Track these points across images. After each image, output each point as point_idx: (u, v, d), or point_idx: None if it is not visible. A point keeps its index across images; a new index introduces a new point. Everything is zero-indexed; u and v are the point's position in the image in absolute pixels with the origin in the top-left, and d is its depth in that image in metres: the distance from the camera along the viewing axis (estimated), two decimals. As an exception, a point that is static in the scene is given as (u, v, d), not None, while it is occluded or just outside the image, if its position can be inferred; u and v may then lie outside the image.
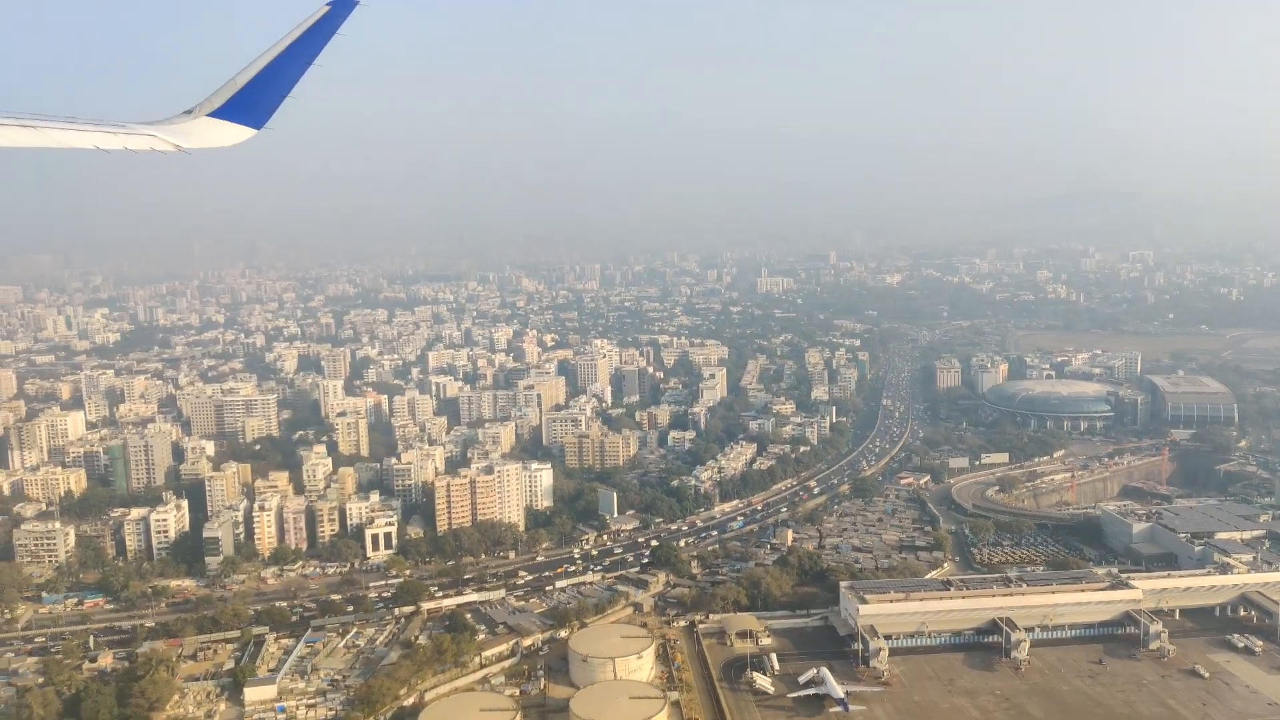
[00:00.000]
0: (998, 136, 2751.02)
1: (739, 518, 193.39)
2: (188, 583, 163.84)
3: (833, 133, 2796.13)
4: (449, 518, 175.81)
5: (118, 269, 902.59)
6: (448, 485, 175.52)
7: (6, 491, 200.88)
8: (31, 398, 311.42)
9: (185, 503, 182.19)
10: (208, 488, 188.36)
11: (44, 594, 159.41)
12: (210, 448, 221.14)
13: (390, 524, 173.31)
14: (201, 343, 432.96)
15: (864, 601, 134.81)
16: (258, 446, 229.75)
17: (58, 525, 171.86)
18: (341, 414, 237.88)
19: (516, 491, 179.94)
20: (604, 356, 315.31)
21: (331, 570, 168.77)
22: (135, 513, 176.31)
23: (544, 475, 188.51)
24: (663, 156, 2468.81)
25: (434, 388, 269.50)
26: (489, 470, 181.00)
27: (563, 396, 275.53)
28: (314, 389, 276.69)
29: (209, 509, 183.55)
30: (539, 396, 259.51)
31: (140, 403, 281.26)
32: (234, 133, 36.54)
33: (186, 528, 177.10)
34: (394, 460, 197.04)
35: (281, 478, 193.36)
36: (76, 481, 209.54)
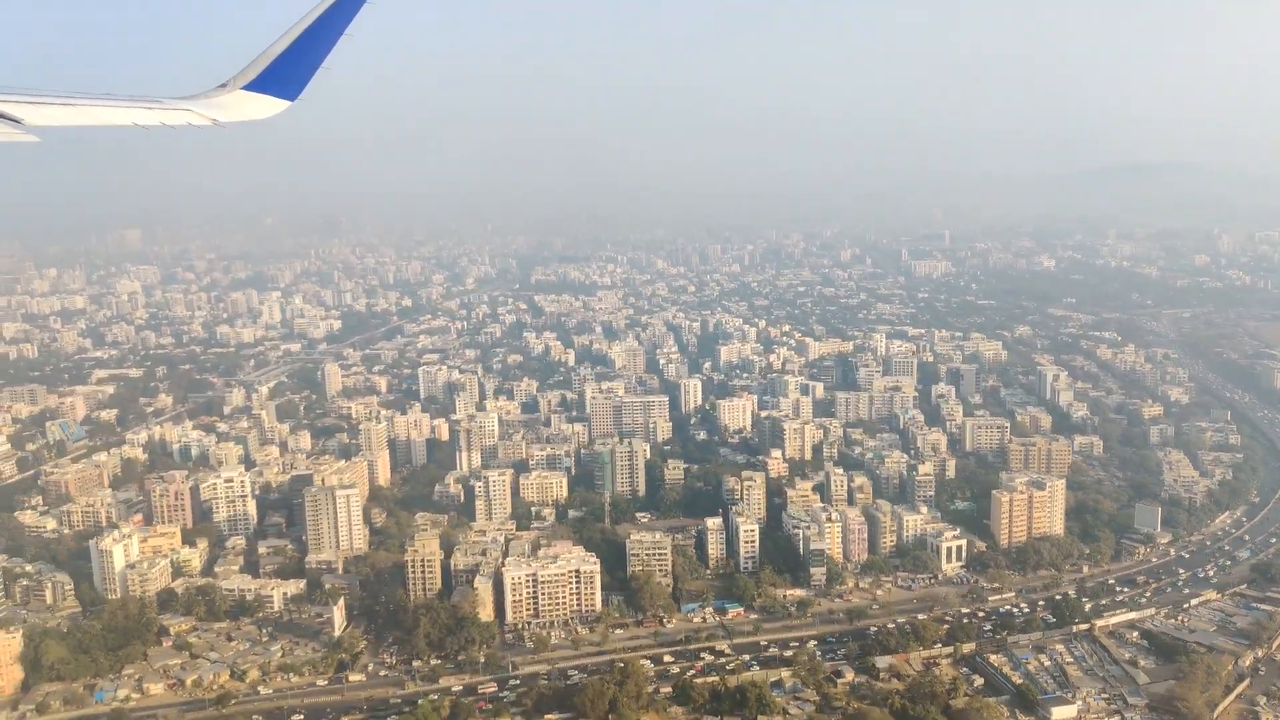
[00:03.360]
0: (1022, 110, 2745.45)
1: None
2: (797, 592, 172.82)
3: (849, 115, 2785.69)
4: (1009, 531, 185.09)
5: (215, 246, 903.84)
6: (1010, 499, 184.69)
7: (524, 496, 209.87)
8: (355, 391, 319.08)
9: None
10: (746, 494, 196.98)
11: (683, 604, 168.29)
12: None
13: (959, 537, 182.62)
14: (433, 330, 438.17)
15: None
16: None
17: (660, 535, 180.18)
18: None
19: (1060, 505, 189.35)
20: (907, 348, 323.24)
21: (915, 582, 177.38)
22: (712, 522, 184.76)
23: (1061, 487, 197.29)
24: (684, 137, 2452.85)
25: (810, 390, 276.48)
26: (1038, 485, 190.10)
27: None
28: (680, 387, 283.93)
29: (730, 514, 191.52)
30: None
31: (505, 400, 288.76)
32: (268, 105, 37.14)
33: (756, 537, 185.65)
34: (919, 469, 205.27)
35: (806, 485, 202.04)
36: (559, 486, 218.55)
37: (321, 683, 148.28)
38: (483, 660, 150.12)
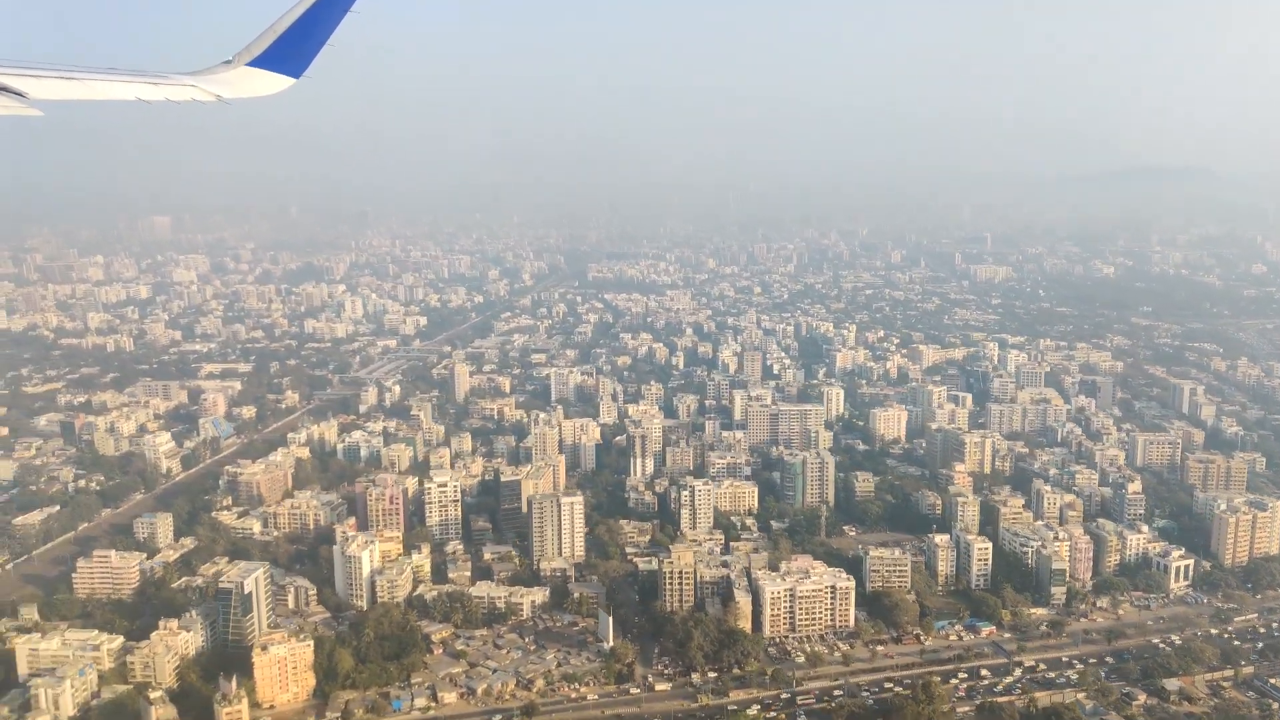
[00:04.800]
0: (1030, 110, 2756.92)
1: None
2: (1039, 610, 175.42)
3: (853, 110, 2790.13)
4: (1233, 551, 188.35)
5: (249, 234, 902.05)
6: (1236, 519, 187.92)
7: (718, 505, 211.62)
8: (482, 391, 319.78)
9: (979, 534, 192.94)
10: (960, 510, 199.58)
11: (934, 620, 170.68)
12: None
13: (1185, 557, 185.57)
14: (522, 329, 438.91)
15: None
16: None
17: (900, 552, 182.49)
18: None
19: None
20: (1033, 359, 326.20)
21: (1149, 602, 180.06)
22: (941, 539, 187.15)
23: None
24: (689, 134, 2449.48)
25: (961, 400, 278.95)
26: (1259, 505, 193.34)
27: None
28: (823, 395, 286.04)
29: (955, 530, 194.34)
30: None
31: (646, 405, 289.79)
32: (273, 81, 37.19)
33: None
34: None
35: (1017, 503, 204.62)
36: (751, 496, 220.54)
37: (596, 695, 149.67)
38: (769, 674, 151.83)
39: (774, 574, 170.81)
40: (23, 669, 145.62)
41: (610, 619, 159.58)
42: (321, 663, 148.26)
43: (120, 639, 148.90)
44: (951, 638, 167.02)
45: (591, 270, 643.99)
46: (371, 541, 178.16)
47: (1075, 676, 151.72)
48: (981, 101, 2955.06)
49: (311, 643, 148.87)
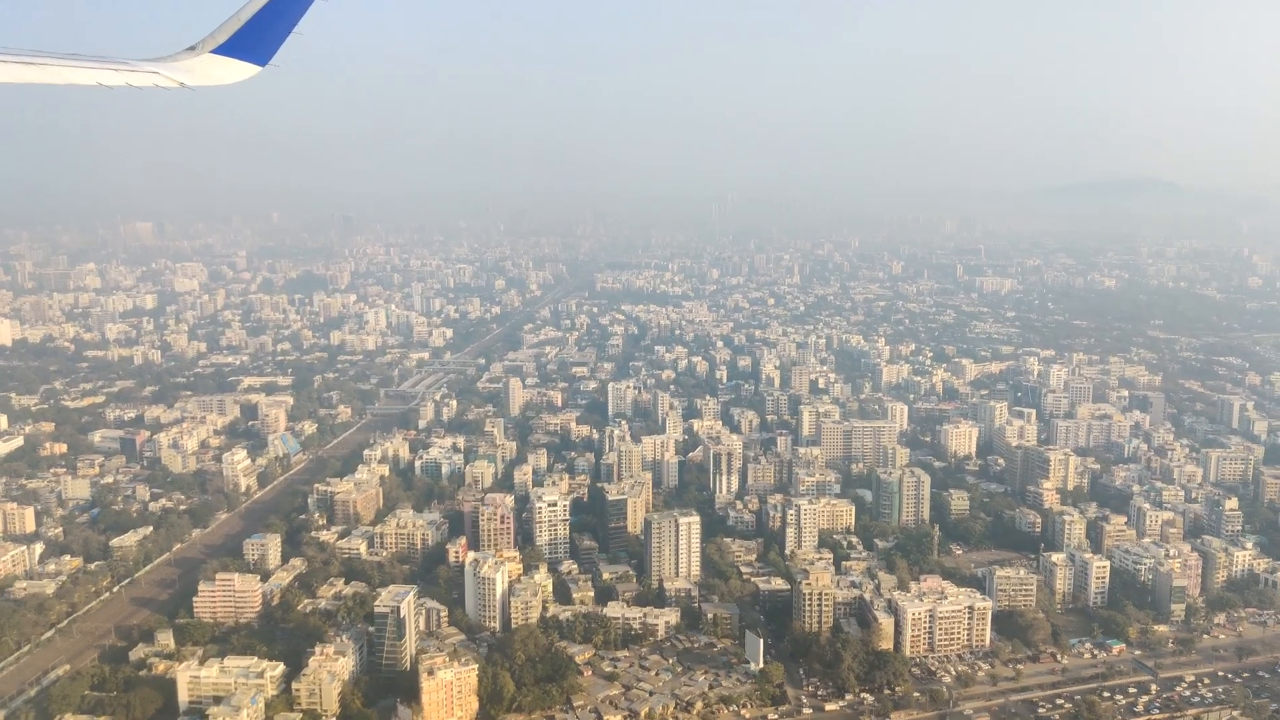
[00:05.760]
0: (1000, 124, 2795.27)
1: None
2: (1161, 628, 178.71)
3: (820, 124, 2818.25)
4: None
5: (235, 241, 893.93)
6: None
7: (824, 524, 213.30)
8: (536, 405, 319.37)
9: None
10: (1067, 528, 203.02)
11: (1068, 638, 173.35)
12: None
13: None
14: (550, 341, 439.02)
15: None
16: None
17: (1025, 572, 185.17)
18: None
19: None
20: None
21: (1265, 619, 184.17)
22: (1058, 557, 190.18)
23: None
24: (663, 144, 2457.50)
25: (1026, 416, 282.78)
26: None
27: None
28: (887, 411, 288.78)
29: (1067, 548, 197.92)
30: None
31: (712, 420, 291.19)
32: (238, 69, 36.28)
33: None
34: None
35: (1119, 520, 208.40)
36: (849, 514, 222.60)
37: (750, 715, 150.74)
38: (929, 695, 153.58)
39: (907, 595, 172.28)
40: (183, 697, 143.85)
41: (760, 641, 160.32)
42: (487, 686, 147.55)
43: (281, 665, 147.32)
44: (1085, 656, 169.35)
45: (598, 281, 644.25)
46: (502, 563, 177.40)
47: (1222, 693, 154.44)
48: (944, 118, 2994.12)
49: (475, 667, 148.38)
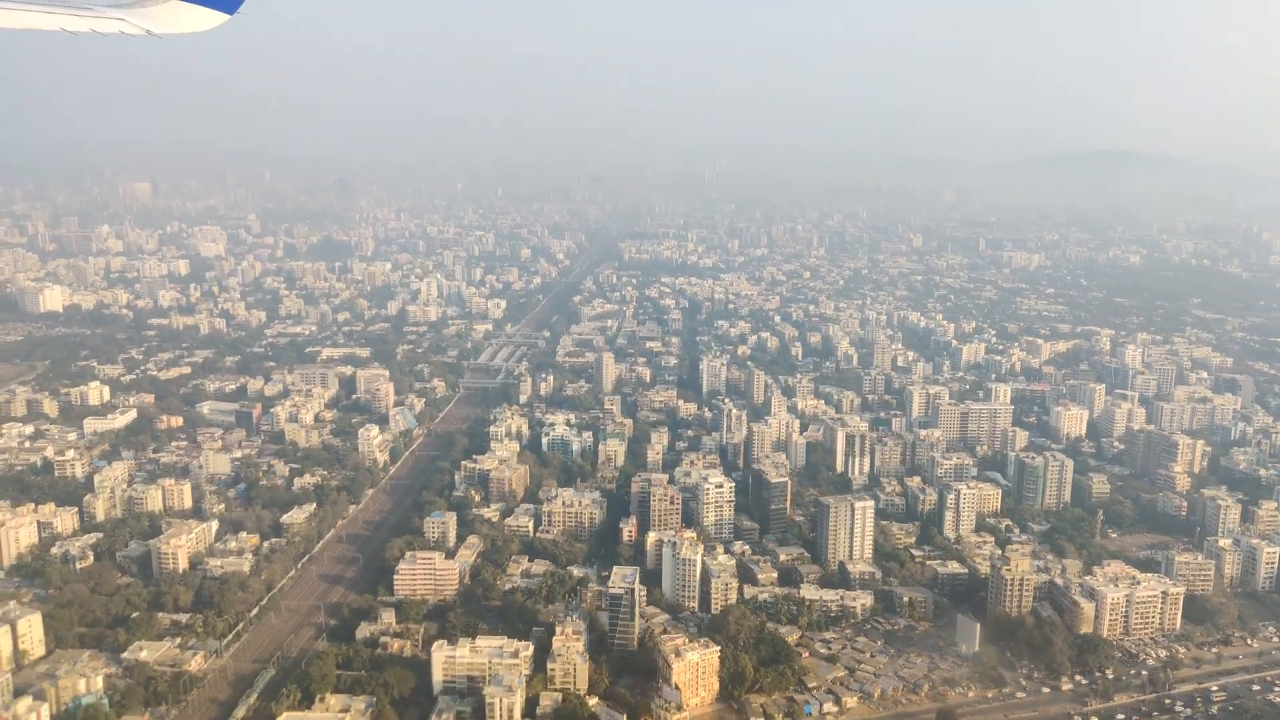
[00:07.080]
0: (986, 96, 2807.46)
1: None
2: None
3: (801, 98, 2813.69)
4: None
5: (237, 203, 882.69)
6: None
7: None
8: (625, 382, 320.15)
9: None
10: (1222, 513, 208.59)
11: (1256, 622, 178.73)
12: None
13: None
14: (606, 314, 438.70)
15: None
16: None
17: (1203, 558, 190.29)
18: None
19: None
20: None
21: None
22: (1225, 542, 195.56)
23: None
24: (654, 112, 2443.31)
25: (1130, 399, 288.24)
26: None
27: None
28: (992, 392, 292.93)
29: (1234, 533, 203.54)
30: None
31: (813, 399, 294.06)
32: (205, 17, 35.06)
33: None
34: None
35: (1270, 505, 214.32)
36: (994, 498, 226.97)
37: (973, 697, 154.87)
38: (1147, 678, 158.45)
39: (1097, 580, 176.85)
40: (438, 677, 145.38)
41: (976, 625, 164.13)
42: (729, 666, 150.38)
43: (530, 645, 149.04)
44: (1275, 640, 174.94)
45: (624, 251, 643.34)
46: (697, 544, 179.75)
47: None
48: (937, 89, 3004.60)
49: (717, 649, 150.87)
